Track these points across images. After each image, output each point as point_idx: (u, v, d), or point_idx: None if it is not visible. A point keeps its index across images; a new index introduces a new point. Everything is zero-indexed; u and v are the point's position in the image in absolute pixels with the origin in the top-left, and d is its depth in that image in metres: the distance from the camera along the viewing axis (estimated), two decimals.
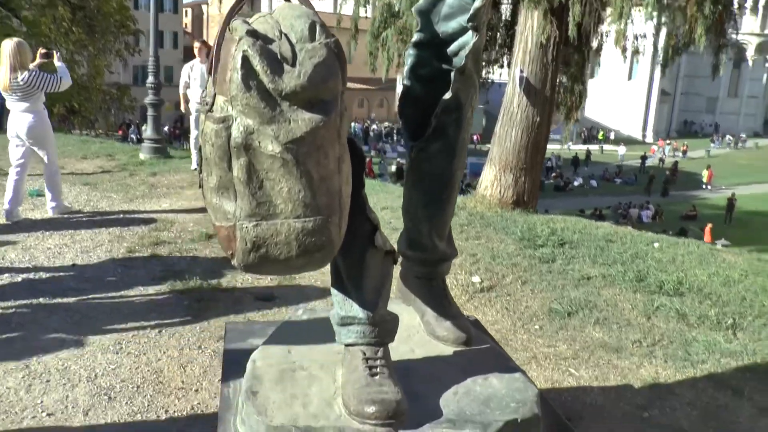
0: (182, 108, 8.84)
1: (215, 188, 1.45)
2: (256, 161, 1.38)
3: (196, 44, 8.95)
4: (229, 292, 4.17)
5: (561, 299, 4.32)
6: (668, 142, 50.67)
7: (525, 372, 2.04)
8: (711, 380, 3.35)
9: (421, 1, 2.07)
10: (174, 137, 32.57)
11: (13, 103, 5.61)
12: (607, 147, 47.69)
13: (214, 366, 3.18)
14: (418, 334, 2.18)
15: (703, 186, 35.32)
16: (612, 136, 52.64)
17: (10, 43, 5.56)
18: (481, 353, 2.13)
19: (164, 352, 3.32)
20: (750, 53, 57.57)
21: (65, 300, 3.94)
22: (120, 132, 29.24)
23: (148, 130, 9.81)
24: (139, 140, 17.93)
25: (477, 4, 1.82)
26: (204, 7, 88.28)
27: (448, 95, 1.93)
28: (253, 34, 1.38)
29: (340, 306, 1.84)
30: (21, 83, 5.50)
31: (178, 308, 3.86)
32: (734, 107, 61.97)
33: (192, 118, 8.69)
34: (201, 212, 6.18)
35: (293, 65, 1.37)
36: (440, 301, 2.22)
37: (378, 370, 1.76)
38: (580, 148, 41.44)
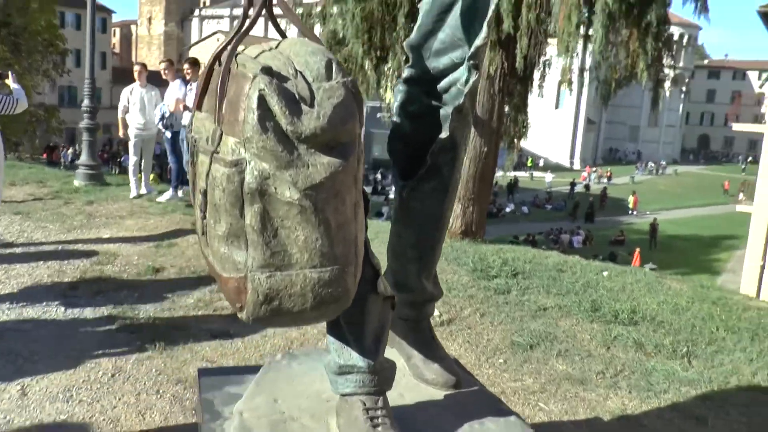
0: (121, 133, 8.54)
1: (224, 237, 1.34)
2: (271, 208, 1.29)
3: (136, 67, 8.68)
4: (183, 330, 3.97)
5: (521, 331, 4.33)
6: (594, 169, 52.63)
7: (519, 414, 2.00)
8: (675, 410, 3.40)
9: (413, 35, 2.03)
10: (102, 161, 31.46)
11: None
12: (536, 174, 49.09)
13: (175, 412, 3.00)
14: (405, 377, 2.11)
15: (630, 212, 36.77)
16: (541, 163, 54.26)
17: None
18: (472, 396, 2.08)
19: (119, 399, 3.11)
20: (667, 84, 60.83)
21: (4, 343, 3.65)
22: (45, 155, 28.03)
23: (83, 156, 9.40)
24: (71, 165, 17.13)
25: (478, 42, 1.80)
26: (133, 27, 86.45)
27: (444, 134, 1.90)
28: (268, 71, 1.30)
29: (337, 354, 1.75)
30: None
31: (131, 349, 3.64)
32: (654, 136, 65.24)
33: (131, 144, 8.40)
34: (144, 243, 5.92)
35: (311, 106, 1.29)
36: (427, 343, 2.16)
37: (380, 420, 1.69)
38: (509, 175, 42.41)
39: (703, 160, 69.03)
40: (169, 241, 5.98)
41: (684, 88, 63.75)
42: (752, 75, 72.02)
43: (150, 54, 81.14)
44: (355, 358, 1.72)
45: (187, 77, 8.00)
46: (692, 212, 38.20)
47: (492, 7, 1.79)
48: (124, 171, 29.62)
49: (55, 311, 4.18)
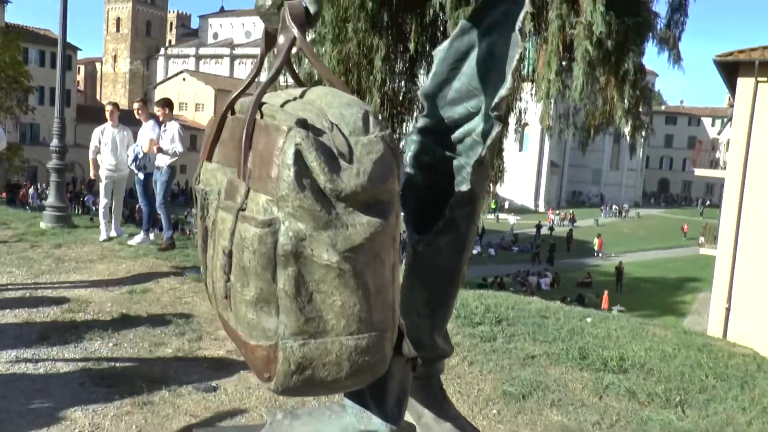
0: (92, 174, 8.31)
1: (253, 302, 1.24)
2: (307, 271, 1.20)
3: (108, 107, 8.49)
4: (163, 382, 3.77)
5: (512, 380, 4.23)
6: (557, 212, 53.36)
7: None
8: None
9: (427, 83, 1.99)
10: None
11: None
12: (501, 216, 49.57)
13: None
14: None
15: (595, 254, 37.20)
16: (506, 205, 54.88)
17: None
18: None
19: None
20: (627, 129, 62.68)
21: None
22: (5, 194, 27.32)
23: (50, 197, 9.13)
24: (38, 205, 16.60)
25: (503, 92, 1.75)
26: (98, 64, 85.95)
27: (465, 187, 1.84)
28: (303, 124, 1.22)
29: (357, 418, 1.64)
30: None
31: (109, 406, 3.43)
32: (616, 179, 66.81)
33: (102, 185, 8.17)
34: (117, 288, 5.71)
35: (350, 162, 1.21)
36: (438, 402, 2.08)
37: None
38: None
39: (663, 204, 70.79)
40: (142, 287, 5.77)
41: (643, 133, 65.95)
42: (706, 121, 74.67)
43: (115, 92, 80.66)
44: (375, 423, 1.62)
45: (160, 118, 7.85)
46: (655, 254, 38.87)
47: (516, 56, 1.75)
48: (87, 211, 29.02)
49: (25, 364, 3.94)
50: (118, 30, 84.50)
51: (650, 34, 7.45)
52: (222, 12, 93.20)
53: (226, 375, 3.95)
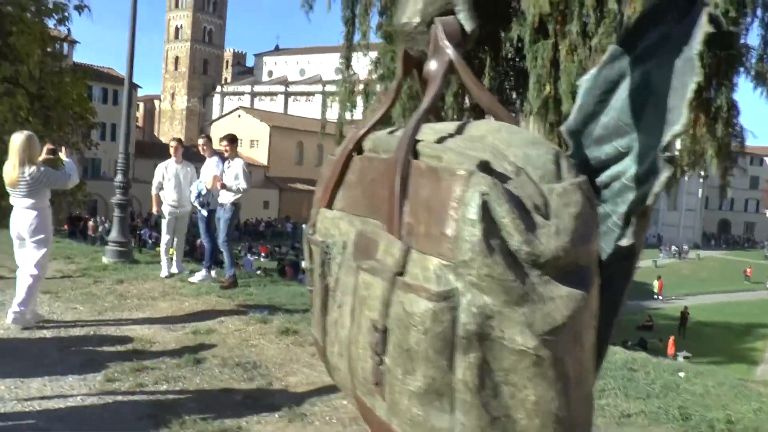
0: (154, 210, 8.29)
1: (420, 393, 0.97)
2: (493, 358, 0.93)
3: (173, 143, 8.49)
4: None
5: None
6: None
7: None
8: None
9: (571, 117, 1.71)
10: None
11: (17, 199, 5.21)
12: None
13: None
14: None
15: (655, 296, 35.83)
16: None
17: (20, 137, 5.20)
18: None
19: None
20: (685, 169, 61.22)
21: None
22: (66, 227, 28.04)
23: (113, 232, 9.14)
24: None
25: (677, 129, 1.45)
26: (156, 101, 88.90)
27: (626, 242, 1.54)
28: (487, 168, 0.96)
29: None
30: (28, 178, 5.12)
31: None
32: (674, 219, 64.89)
33: (164, 222, 8.12)
34: (181, 328, 5.54)
35: (546, 217, 0.95)
36: None
37: None
38: None
39: (724, 245, 68.31)
40: (207, 326, 5.60)
41: (702, 172, 64.06)
42: None
43: (172, 128, 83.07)
44: None
45: (225, 154, 7.77)
46: (718, 298, 37.27)
47: (692, 86, 1.46)
48: (143, 245, 29.54)
49: (91, 409, 3.76)
50: (176, 68, 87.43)
51: (742, 69, 7.04)
52: (277, 50, 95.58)
53: (302, 427, 3.68)
